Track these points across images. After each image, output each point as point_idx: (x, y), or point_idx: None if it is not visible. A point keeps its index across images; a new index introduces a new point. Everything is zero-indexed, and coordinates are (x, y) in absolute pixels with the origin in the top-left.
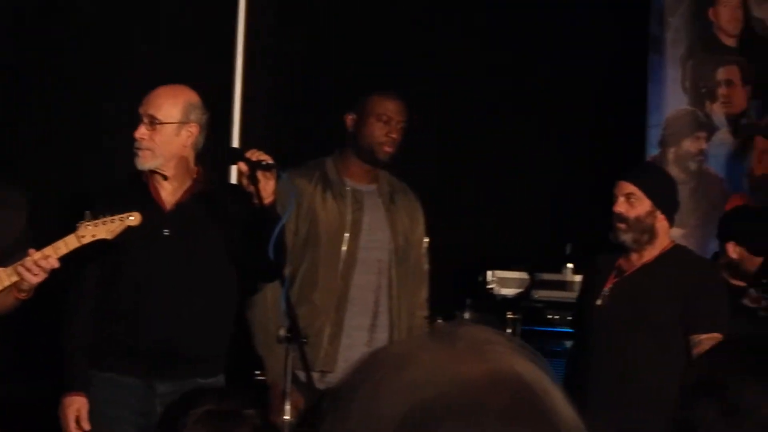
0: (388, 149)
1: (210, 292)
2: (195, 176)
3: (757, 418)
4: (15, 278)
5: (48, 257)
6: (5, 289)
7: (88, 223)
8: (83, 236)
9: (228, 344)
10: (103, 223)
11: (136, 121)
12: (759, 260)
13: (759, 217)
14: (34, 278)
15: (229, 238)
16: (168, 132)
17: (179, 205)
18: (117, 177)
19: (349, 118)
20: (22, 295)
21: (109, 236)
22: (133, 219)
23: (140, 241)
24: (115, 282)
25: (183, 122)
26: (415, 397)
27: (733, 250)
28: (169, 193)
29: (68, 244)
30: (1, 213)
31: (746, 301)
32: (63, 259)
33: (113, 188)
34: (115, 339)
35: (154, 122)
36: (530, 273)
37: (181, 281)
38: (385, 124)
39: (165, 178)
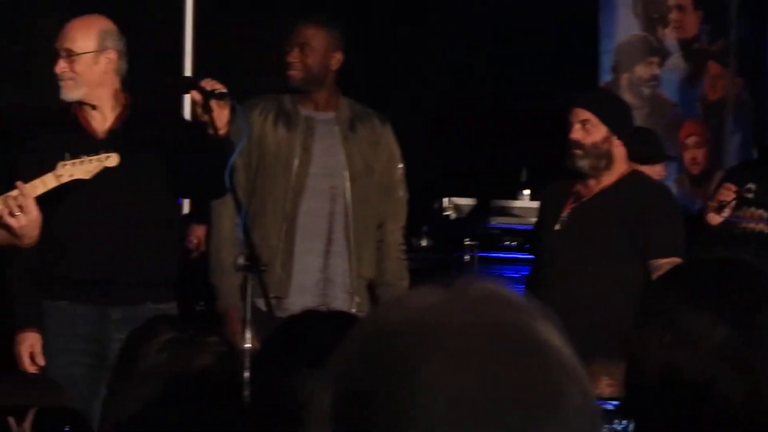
0: (290, 73)
1: (151, 217)
2: (124, 103)
3: (708, 344)
4: None
5: (25, 195)
6: None
7: (66, 163)
8: (61, 175)
9: (177, 270)
10: (81, 163)
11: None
12: (647, 171)
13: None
14: (13, 220)
15: (165, 162)
16: (86, 62)
17: (112, 132)
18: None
19: None
20: (16, 240)
21: (86, 176)
22: (111, 160)
23: (77, 182)
24: (57, 214)
25: (99, 50)
26: (387, 320)
27: None
28: (99, 122)
29: (46, 182)
30: None
31: (710, 217)
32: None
33: (42, 122)
34: (63, 269)
35: (71, 55)
36: (486, 199)
37: (122, 207)
38: (286, 50)
39: (93, 107)
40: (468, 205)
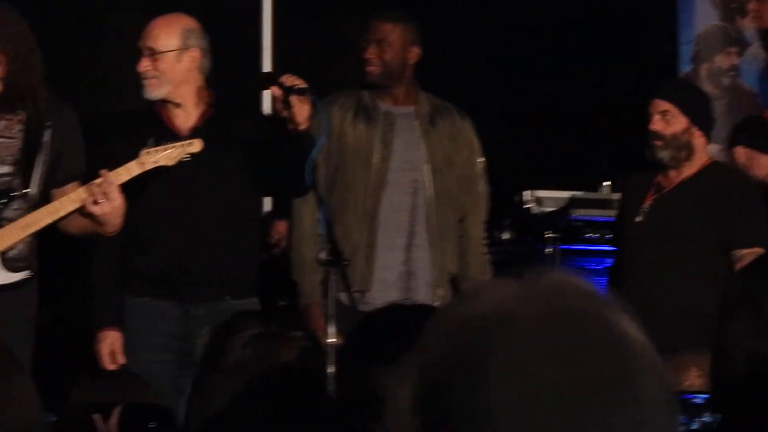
0: (368, 68)
1: (232, 214)
2: (208, 100)
3: None
4: (77, 204)
5: (108, 182)
6: (73, 212)
7: (149, 150)
8: (145, 162)
9: (257, 266)
10: (165, 150)
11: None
12: (765, 161)
13: (760, 121)
14: (96, 207)
15: (250, 159)
16: (169, 60)
17: (195, 130)
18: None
19: None
20: (100, 229)
21: (170, 162)
22: (194, 146)
23: (161, 169)
24: (139, 210)
25: (182, 48)
26: (462, 312)
27: (741, 154)
28: (183, 120)
29: (130, 170)
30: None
31: None
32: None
33: (126, 120)
34: (146, 265)
35: (154, 53)
36: (568, 191)
37: (202, 204)
38: (363, 46)
39: (177, 105)
40: (549, 197)
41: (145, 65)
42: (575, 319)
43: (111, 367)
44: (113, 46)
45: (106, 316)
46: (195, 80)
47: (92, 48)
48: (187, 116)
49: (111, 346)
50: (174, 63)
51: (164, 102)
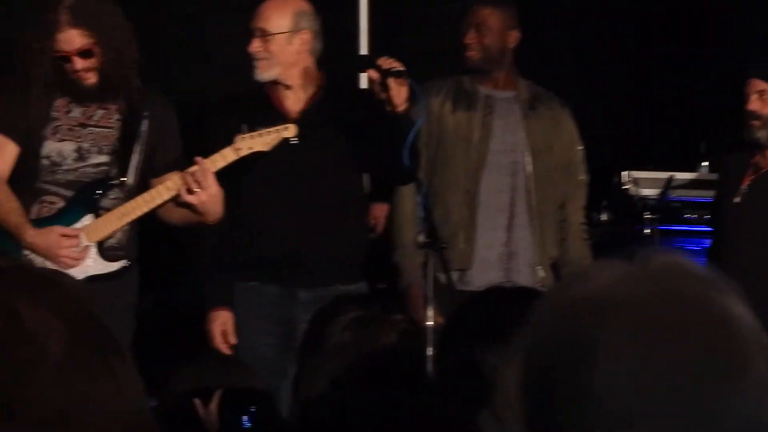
0: (468, 53)
1: (341, 198)
2: (318, 83)
3: None
4: (173, 192)
5: (203, 170)
6: (169, 200)
7: (244, 136)
8: (240, 149)
9: (365, 251)
10: (260, 135)
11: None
12: None
13: None
14: (192, 197)
15: (356, 143)
16: (280, 41)
17: (304, 113)
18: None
19: None
20: (200, 218)
21: (265, 148)
22: (289, 131)
23: (269, 152)
24: (247, 194)
25: (294, 31)
26: (570, 295)
27: None
28: (293, 102)
29: (225, 156)
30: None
31: None
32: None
33: (236, 101)
34: (255, 250)
35: (265, 34)
36: (666, 172)
37: (312, 189)
38: (462, 31)
39: (287, 87)
40: (647, 178)
41: (256, 46)
42: (685, 302)
43: (223, 347)
44: (219, 30)
45: (217, 297)
46: (305, 62)
47: (198, 32)
48: (296, 98)
49: (223, 325)
50: (285, 45)
51: (275, 84)
